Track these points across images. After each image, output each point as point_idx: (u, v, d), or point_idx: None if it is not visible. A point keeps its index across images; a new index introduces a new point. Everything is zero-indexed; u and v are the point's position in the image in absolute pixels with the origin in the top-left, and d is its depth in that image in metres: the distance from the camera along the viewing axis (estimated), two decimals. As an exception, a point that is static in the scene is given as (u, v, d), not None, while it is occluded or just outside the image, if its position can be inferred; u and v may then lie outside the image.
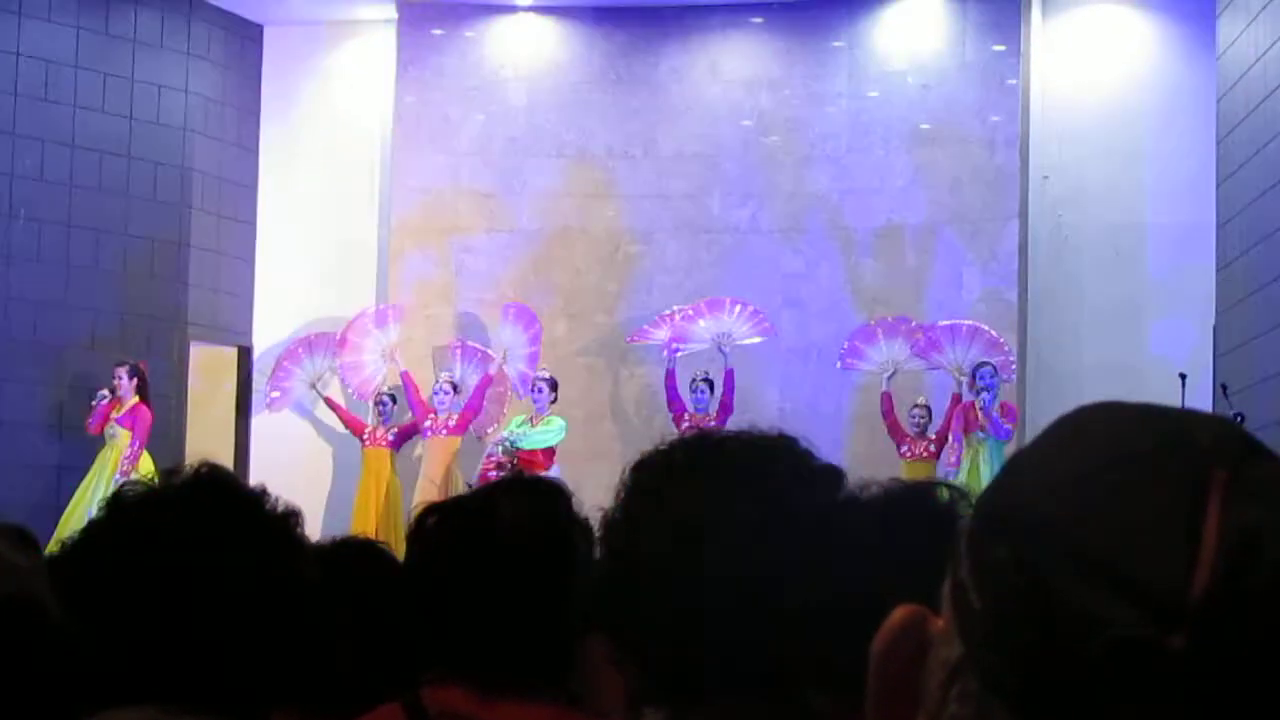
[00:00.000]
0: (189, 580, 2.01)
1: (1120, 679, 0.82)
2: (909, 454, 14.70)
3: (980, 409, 14.36)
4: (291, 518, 2.15)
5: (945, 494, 1.65)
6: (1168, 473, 0.85)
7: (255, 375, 16.96)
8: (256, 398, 16.89)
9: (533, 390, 15.21)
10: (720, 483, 1.62)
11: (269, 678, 2.06)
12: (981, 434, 14.29)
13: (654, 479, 1.68)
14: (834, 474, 1.68)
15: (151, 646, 2.00)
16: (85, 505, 14.17)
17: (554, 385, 15.18)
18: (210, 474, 2.14)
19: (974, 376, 14.53)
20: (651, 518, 1.64)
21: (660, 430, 15.93)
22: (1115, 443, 0.88)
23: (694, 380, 15.19)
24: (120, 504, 2.12)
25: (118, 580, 2.04)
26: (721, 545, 1.57)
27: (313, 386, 16.18)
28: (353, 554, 3.24)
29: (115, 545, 2.08)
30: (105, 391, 14.71)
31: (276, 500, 2.15)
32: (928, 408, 14.86)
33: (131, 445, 14.62)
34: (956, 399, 14.66)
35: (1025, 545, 0.86)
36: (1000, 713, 0.86)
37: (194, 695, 1.97)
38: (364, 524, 14.60)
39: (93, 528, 2.14)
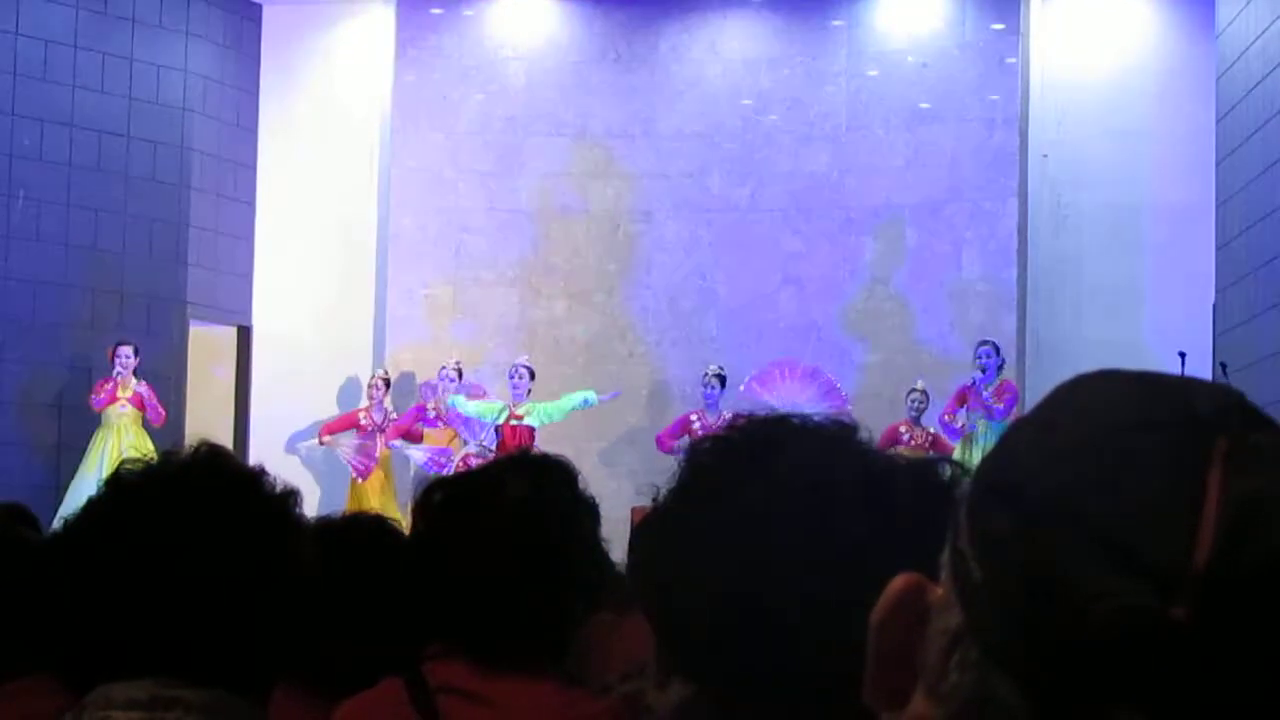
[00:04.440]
0: (185, 558, 2.02)
1: (1123, 649, 0.83)
2: (910, 442, 14.67)
3: (975, 388, 14.38)
4: (289, 497, 2.16)
5: (948, 470, 1.64)
6: (1168, 442, 0.85)
7: (255, 355, 16.97)
8: (256, 378, 16.90)
9: (512, 377, 15.14)
10: (782, 475, 1.60)
11: (267, 653, 2.07)
12: (981, 412, 14.29)
13: (713, 464, 1.66)
14: (892, 468, 1.66)
15: (148, 622, 2.00)
16: (86, 484, 14.19)
17: (533, 375, 15.12)
18: (208, 453, 2.15)
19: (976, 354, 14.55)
20: (707, 505, 1.62)
21: (660, 411, 15.99)
22: (1115, 411, 0.88)
23: (705, 376, 15.09)
24: (119, 482, 2.13)
25: (115, 557, 2.05)
26: (773, 534, 1.56)
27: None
28: (364, 530, 3.25)
29: (114, 523, 2.09)
30: (119, 370, 14.72)
31: (275, 480, 2.16)
32: (924, 392, 14.84)
33: (150, 412, 14.71)
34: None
35: (1025, 515, 0.86)
36: (1001, 681, 0.86)
37: (192, 669, 1.98)
38: (361, 503, 14.61)
39: (92, 505, 2.15)
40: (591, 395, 15.08)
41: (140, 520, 2.06)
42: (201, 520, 2.06)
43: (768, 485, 1.56)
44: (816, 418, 1.66)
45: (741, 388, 15.09)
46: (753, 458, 1.60)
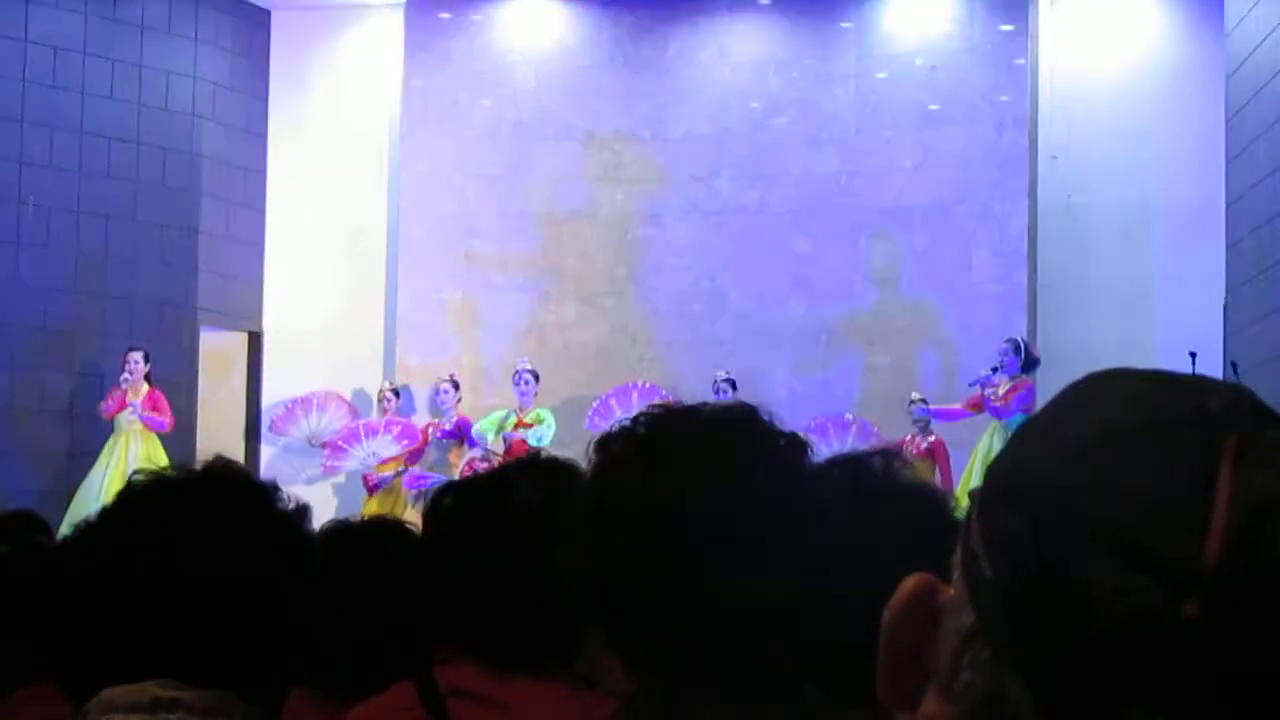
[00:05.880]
0: (189, 562, 2.04)
1: (1135, 647, 0.83)
2: (911, 451, 14.60)
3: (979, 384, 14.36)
4: (300, 511, 2.18)
5: (879, 462, 1.65)
6: (1179, 440, 0.85)
7: (266, 360, 16.99)
8: (267, 384, 16.92)
9: (517, 384, 15.16)
10: (687, 461, 1.60)
11: (276, 657, 2.08)
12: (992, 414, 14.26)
13: (620, 456, 1.66)
14: (799, 445, 1.66)
15: (153, 626, 2.02)
16: (95, 491, 14.20)
17: (537, 377, 15.14)
18: (220, 464, 2.17)
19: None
20: (617, 497, 1.62)
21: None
22: (1126, 410, 0.88)
23: (716, 382, 15.09)
24: (129, 490, 2.15)
25: (121, 561, 2.06)
26: (687, 527, 1.55)
27: (310, 443, 16.01)
28: (378, 534, 3.25)
29: (121, 528, 2.10)
30: (126, 375, 14.73)
31: (286, 496, 2.18)
32: (924, 400, 14.78)
33: (158, 422, 14.70)
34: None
35: (1036, 514, 0.86)
36: (1013, 681, 0.86)
37: (195, 672, 1.98)
38: (371, 506, 14.64)
39: (103, 512, 2.17)
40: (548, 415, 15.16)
41: (147, 525, 2.08)
42: (207, 526, 2.07)
43: (672, 473, 1.56)
44: (721, 405, 1.67)
45: (587, 424, 15.03)
46: (655, 448, 1.60)
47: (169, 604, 2.02)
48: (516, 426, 14.95)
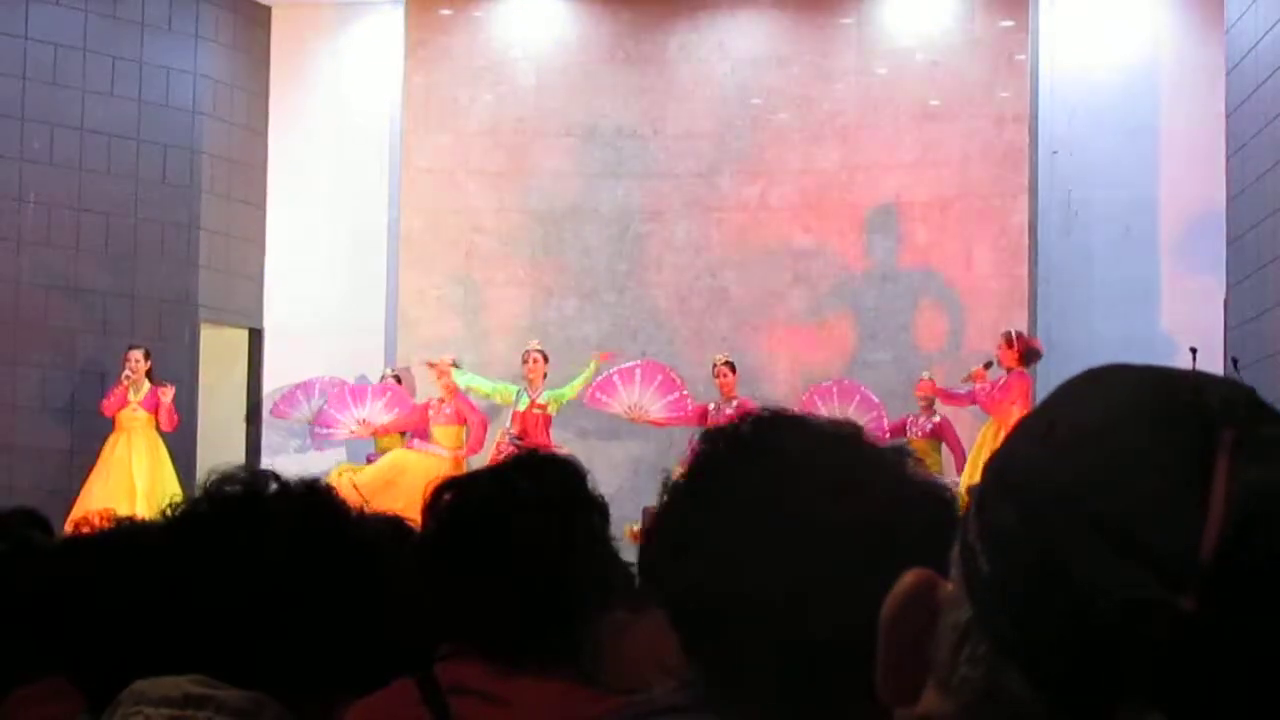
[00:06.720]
0: (261, 581, 2.05)
1: (1132, 641, 0.83)
2: (916, 433, 14.66)
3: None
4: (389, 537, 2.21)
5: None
6: (1176, 434, 0.85)
7: (267, 357, 16.99)
8: (268, 380, 16.92)
9: (526, 362, 15.18)
10: (787, 469, 1.60)
11: (317, 668, 2.10)
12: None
13: (721, 453, 1.65)
14: (896, 470, 1.65)
15: (202, 626, 2.03)
16: (97, 489, 14.20)
17: (547, 358, 15.18)
18: (311, 488, 2.19)
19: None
20: (712, 494, 1.62)
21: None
22: (1122, 405, 0.88)
23: (715, 365, 15.10)
24: (212, 496, 2.16)
25: (191, 568, 2.08)
26: (776, 533, 1.55)
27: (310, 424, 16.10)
28: (379, 530, 3.25)
29: (202, 535, 2.12)
30: (128, 373, 14.72)
31: (369, 522, 2.20)
32: (932, 380, 14.84)
33: (162, 417, 14.70)
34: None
35: (1034, 509, 0.86)
36: (1011, 675, 0.86)
37: (232, 673, 1.99)
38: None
39: (188, 514, 2.18)
40: (592, 367, 15.16)
41: (228, 534, 2.10)
42: (292, 544, 2.09)
43: (770, 479, 1.56)
44: (829, 420, 1.67)
45: (585, 401, 15.14)
46: (759, 447, 1.61)
47: (231, 611, 2.04)
48: (530, 407, 15.00)
